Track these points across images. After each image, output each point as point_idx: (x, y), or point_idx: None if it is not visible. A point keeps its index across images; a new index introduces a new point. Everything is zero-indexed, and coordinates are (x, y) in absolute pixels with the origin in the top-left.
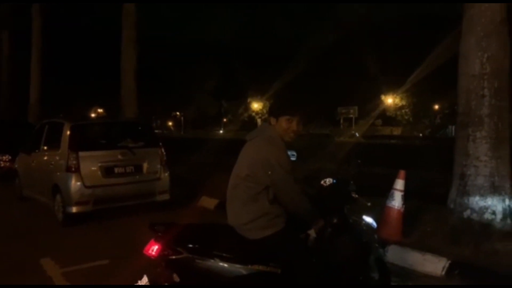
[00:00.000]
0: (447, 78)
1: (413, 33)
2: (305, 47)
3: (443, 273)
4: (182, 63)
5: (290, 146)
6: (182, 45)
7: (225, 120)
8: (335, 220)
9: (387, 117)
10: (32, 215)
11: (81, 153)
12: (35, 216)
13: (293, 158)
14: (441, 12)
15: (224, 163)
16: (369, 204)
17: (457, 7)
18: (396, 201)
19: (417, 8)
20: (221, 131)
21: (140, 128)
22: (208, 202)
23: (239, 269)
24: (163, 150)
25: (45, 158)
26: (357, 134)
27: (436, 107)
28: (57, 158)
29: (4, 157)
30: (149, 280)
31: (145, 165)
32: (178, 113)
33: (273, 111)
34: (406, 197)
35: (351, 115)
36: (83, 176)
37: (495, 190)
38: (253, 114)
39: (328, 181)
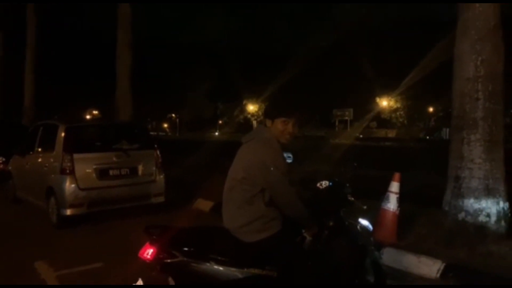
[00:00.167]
0: (442, 81)
1: (408, 36)
2: (301, 49)
3: (438, 275)
4: (177, 64)
5: (286, 148)
6: (178, 46)
7: (220, 122)
8: (331, 223)
9: (382, 120)
10: (25, 217)
11: (75, 155)
12: (28, 219)
13: (289, 160)
14: (436, 16)
15: (220, 165)
16: (365, 207)
17: (452, 11)
18: (391, 204)
19: (413, 11)
20: (216, 133)
21: (135, 130)
22: (204, 205)
23: (234, 272)
24: (158, 152)
25: (39, 160)
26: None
27: (431, 109)
28: (52, 160)
29: None
30: (144, 283)
31: (140, 167)
32: (173, 115)
33: (269, 113)
34: (401, 200)
35: (346, 117)
36: (77, 178)
37: (489, 192)
38: (249, 116)
39: (324, 183)
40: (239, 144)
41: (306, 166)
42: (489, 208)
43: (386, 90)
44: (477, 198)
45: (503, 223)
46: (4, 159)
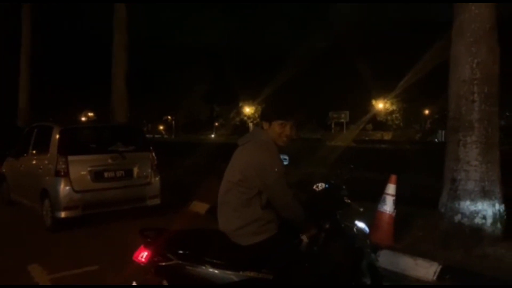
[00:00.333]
0: (438, 83)
1: (404, 39)
2: (297, 51)
3: (435, 277)
4: (173, 66)
5: (282, 150)
6: (173, 48)
7: (216, 124)
8: (327, 225)
9: (378, 122)
10: (19, 220)
11: (70, 157)
12: (22, 221)
13: (285, 162)
14: (433, 17)
15: (216, 167)
16: (361, 209)
17: (447, 13)
18: (388, 206)
19: (409, 12)
20: (212, 135)
21: (130, 132)
22: (200, 207)
23: (230, 275)
24: (153, 154)
25: (34, 162)
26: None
27: (427, 112)
28: (46, 162)
29: None
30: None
31: (135, 170)
32: (169, 117)
33: (266, 116)
34: (397, 202)
35: (343, 120)
36: (72, 180)
37: (485, 194)
38: (245, 118)
39: (321, 185)
40: (235, 146)
41: (303, 168)
42: (485, 210)
43: (382, 93)
44: (473, 200)
45: (499, 225)
46: None
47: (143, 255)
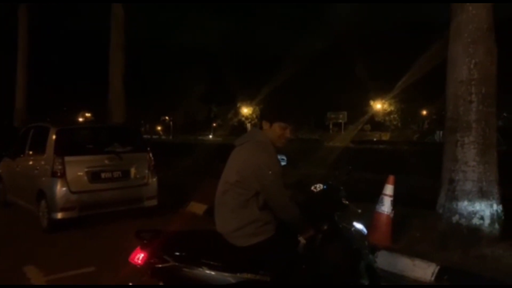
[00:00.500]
0: (435, 84)
1: (402, 39)
2: (295, 52)
3: (433, 278)
4: (171, 67)
5: (280, 150)
6: (171, 49)
7: (214, 124)
8: (325, 227)
9: (376, 123)
10: (15, 221)
11: (67, 158)
12: (18, 222)
13: (283, 163)
14: (431, 18)
15: (214, 168)
16: (359, 210)
17: (445, 13)
18: (386, 207)
19: (406, 13)
20: (210, 136)
21: (128, 132)
22: (197, 208)
23: (227, 277)
24: (151, 155)
25: (30, 163)
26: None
27: (424, 112)
28: (42, 163)
29: None
30: None
31: (132, 170)
32: (167, 117)
33: (268, 116)
34: (395, 203)
35: (341, 120)
36: (69, 181)
37: (483, 195)
38: (243, 119)
39: (319, 186)
40: (233, 146)
41: (301, 169)
42: (482, 210)
43: (380, 93)
44: (471, 200)
45: (496, 225)
46: None
47: (139, 257)
